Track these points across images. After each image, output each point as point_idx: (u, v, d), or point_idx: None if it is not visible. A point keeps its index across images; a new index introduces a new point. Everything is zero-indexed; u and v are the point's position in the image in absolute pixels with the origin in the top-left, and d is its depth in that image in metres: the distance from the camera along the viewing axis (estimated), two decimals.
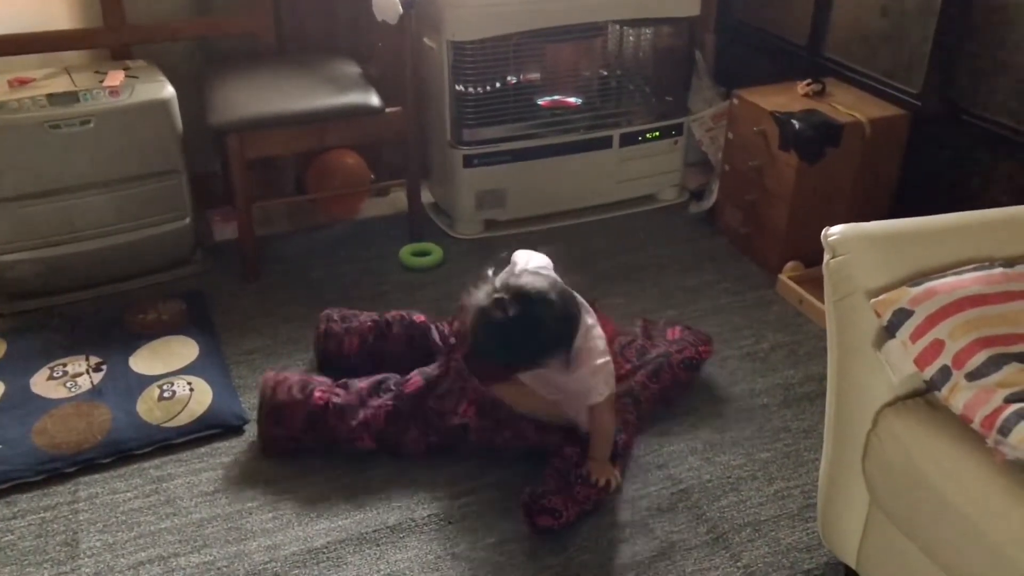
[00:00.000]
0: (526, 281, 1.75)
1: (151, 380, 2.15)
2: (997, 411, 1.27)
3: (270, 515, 1.83)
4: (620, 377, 2.00)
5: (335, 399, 1.95)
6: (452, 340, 2.10)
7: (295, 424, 1.94)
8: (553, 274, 1.85)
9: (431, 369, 2.00)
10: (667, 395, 2.10)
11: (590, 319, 1.87)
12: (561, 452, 1.89)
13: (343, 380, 2.01)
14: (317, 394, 1.95)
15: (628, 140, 2.96)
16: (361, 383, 1.99)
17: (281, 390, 1.95)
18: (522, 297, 1.72)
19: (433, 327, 2.18)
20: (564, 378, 1.86)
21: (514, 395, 1.94)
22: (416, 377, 1.98)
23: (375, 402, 1.95)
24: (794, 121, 2.50)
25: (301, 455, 1.97)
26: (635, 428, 2.01)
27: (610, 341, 2.15)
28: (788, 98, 2.65)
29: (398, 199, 3.02)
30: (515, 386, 1.95)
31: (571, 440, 1.91)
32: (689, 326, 2.26)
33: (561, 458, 1.87)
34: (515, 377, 1.93)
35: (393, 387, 1.98)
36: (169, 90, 2.45)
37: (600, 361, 1.84)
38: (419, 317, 2.20)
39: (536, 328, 1.73)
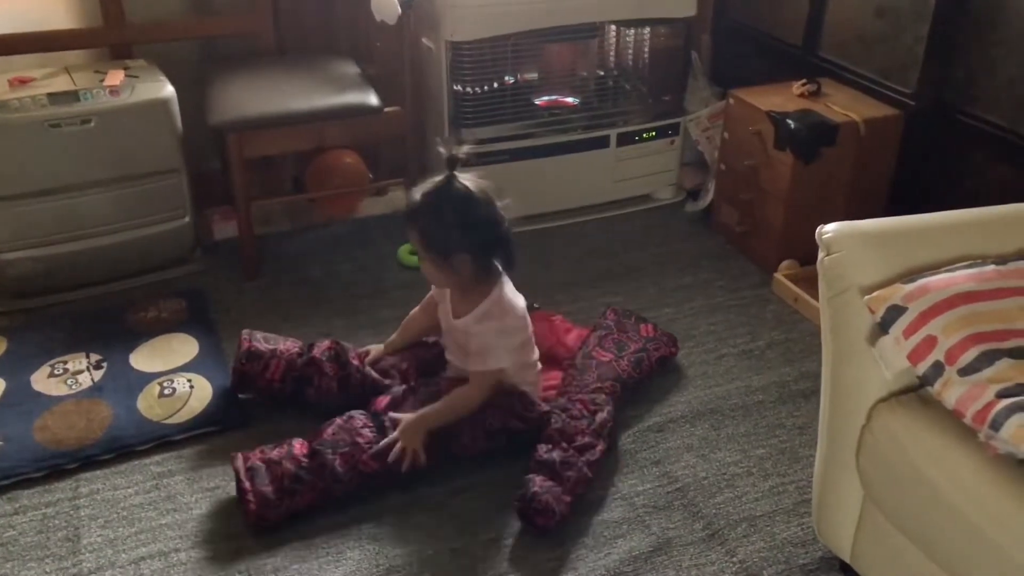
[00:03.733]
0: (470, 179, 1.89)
1: (151, 377, 2.16)
2: (989, 406, 1.28)
3: None
4: (603, 364, 2.12)
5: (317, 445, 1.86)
6: (404, 365, 2.10)
7: (282, 482, 1.80)
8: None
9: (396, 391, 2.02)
10: (643, 384, 2.18)
11: (508, 288, 1.96)
12: (537, 446, 1.89)
13: (312, 439, 1.88)
14: (297, 446, 1.85)
15: (625, 140, 2.98)
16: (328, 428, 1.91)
17: (256, 458, 1.83)
18: (463, 185, 1.86)
19: (368, 368, 2.09)
20: (472, 327, 1.91)
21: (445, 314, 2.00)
22: (381, 398, 1.99)
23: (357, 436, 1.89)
24: (790, 121, 2.52)
25: None
26: (618, 402, 2.06)
27: (577, 346, 2.22)
28: (784, 98, 2.67)
29: (396, 198, 3.03)
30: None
31: (542, 431, 1.94)
32: (656, 324, 2.32)
33: (543, 446, 1.88)
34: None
35: (367, 420, 1.93)
36: (169, 89, 2.46)
37: (513, 332, 1.95)
38: (353, 357, 2.08)
39: (463, 206, 1.84)
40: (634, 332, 2.26)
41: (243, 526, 1.79)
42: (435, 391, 1.99)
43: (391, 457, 1.85)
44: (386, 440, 1.86)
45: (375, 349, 2.16)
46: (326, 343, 2.09)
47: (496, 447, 1.95)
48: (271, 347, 2.08)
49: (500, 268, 1.96)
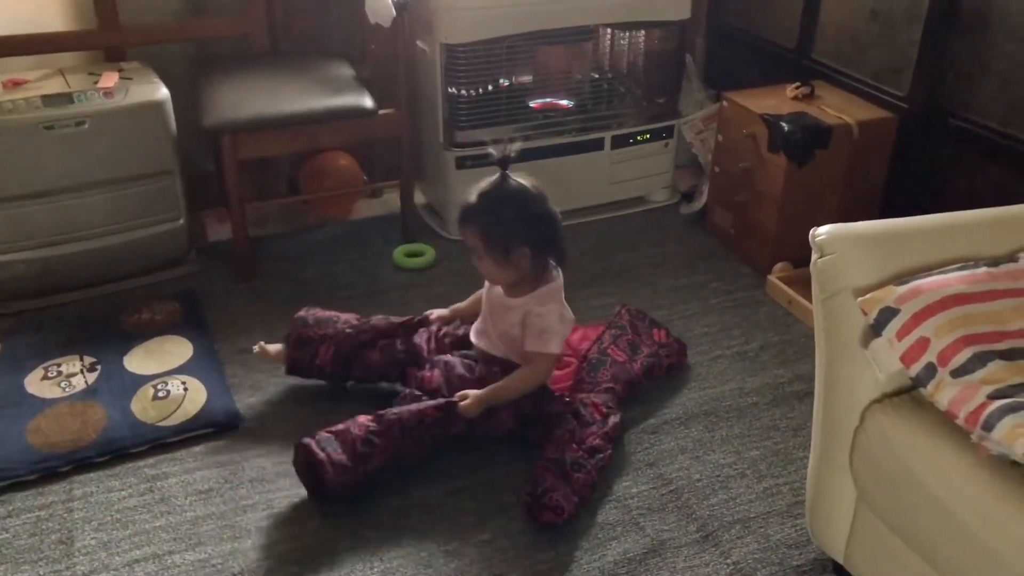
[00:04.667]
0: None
1: (145, 380, 2.16)
2: (981, 407, 1.29)
3: (264, 513, 1.84)
4: (617, 364, 2.16)
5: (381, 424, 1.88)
6: (442, 334, 2.16)
7: (355, 447, 1.83)
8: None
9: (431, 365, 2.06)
10: (650, 388, 2.21)
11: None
12: (549, 443, 1.92)
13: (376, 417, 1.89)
14: (361, 418, 1.87)
15: (619, 142, 2.98)
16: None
17: (322, 432, 1.84)
18: (517, 182, 1.95)
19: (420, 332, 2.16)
20: (535, 308, 1.96)
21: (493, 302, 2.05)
22: (430, 374, 2.03)
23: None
24: (783, 123, 2.52)
25: (292, 452, 1.98)
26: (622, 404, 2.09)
27: (580, 345, 2.24)
28: (777, 101, 2.68)
29: (391, 200, 3.03)
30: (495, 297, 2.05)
31: (551, 430, 1.95)
32: (669, 330, 2.33)
33: (554, 446, 1.90)
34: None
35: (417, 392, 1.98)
36: (163, 91, 2.46)
37: (568, 325, 2.01)
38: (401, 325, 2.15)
39: (520, 201, 1.93)
40: (647, 336, 2.27)
41: (240, 525, 1.79)
42: (470, 364, 2.04)
43: (457, 398, 1.92)
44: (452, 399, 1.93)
45: (438, 312, 2.21)
46: (381, 324, 2.14)
47: (519, 432, 1.98)
48: (321, 332, 2.12)
49: (555, 266, 2.02)
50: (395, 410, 1.90)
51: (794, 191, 2.57)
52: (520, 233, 1.92)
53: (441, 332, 2.16)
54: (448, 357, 2.06)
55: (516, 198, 1.93)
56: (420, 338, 2.14)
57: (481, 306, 2.12)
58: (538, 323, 1.96)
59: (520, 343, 2.00)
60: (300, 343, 2.12)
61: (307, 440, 1.83)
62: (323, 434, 1.84)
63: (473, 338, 2.11)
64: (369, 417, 1.88)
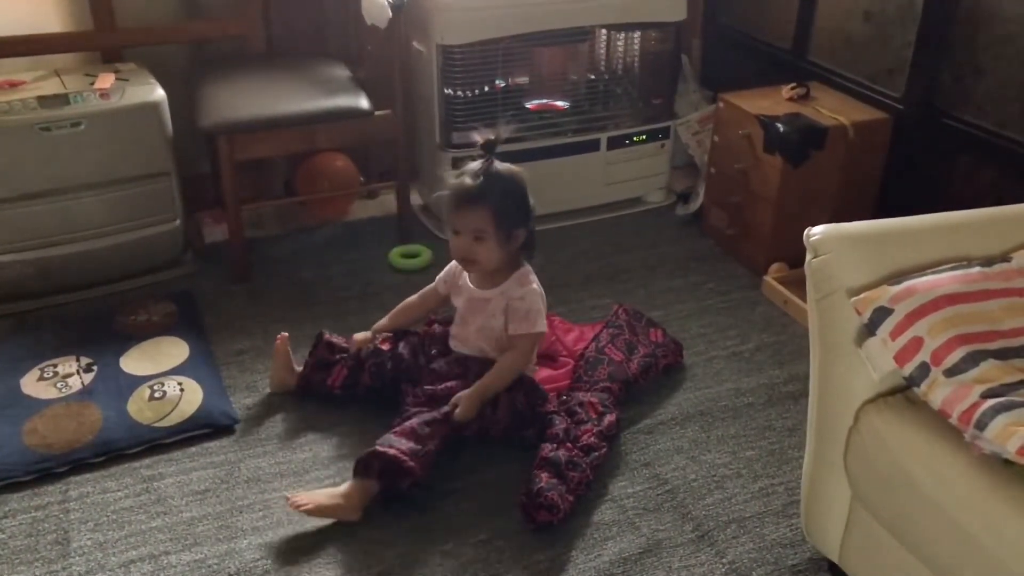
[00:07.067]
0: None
1: (142, 380, 2.16)
2: (974, 406, 1.29)
3: (260, 514, 1.84)
4: (615, 363, 2.16)
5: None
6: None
7: (415, 432, 1.87)
8: None
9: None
10: (646, 388, 2.21)
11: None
12: (544, 442, 1.92)
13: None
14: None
15: (615, 143, 2.99)
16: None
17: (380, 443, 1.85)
18: (506, 165, 2.01)
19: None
20: (515, 291, 2.01)
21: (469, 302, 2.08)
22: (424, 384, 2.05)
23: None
24: (779, 124, 2.53)
25: (288, 453, 1.99)
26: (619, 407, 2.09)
27: (576, 344, 2.25)
28: (773, 102, 2.69)
29: (387, 201, 3.04)
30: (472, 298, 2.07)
31: (546, 429, 1.96)
32: (665, 330, 2.34)
33: (549, 445, 1.90)
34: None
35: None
36: (159, 93, 2.46)
37: (543, 294, 2.04)
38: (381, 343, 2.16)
39: (519, 182, 2.00)
40: (644, 336, 2.28)
41: (236, 525, 1.80)
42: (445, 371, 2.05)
43: (450, 407, 1.93)
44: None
45: (361, 336, 2.17)
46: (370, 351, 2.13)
47: (517, 428, 1.98)
48: (338, 355, 2.13)
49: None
50: (413, 418, 1.90)
51: (789, 192, 2.58)
52: (523, 212, 1.98)
53: (428, 339, 2.16)
54: (435, 365, 2.07)
55: (515, 178, 1.98)
56: (405, 349, 2.13)
57: (407, 320, 2.18)
58: (522, 306, 2.01)
59: (501, 332, 2.03)
60: (319, 366, 2.13)
61: (374, 448, 1.82)
62: (381, 439, 1.85)
63: (451, 343, 2.13)
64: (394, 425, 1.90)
